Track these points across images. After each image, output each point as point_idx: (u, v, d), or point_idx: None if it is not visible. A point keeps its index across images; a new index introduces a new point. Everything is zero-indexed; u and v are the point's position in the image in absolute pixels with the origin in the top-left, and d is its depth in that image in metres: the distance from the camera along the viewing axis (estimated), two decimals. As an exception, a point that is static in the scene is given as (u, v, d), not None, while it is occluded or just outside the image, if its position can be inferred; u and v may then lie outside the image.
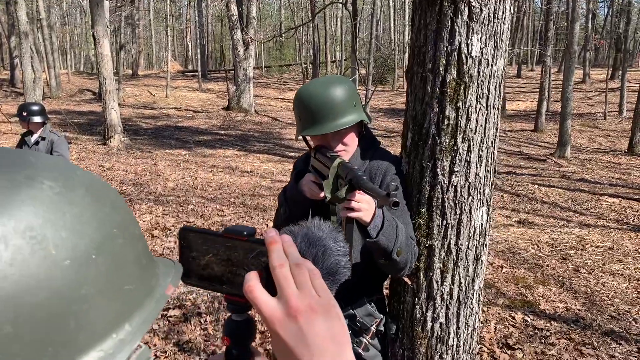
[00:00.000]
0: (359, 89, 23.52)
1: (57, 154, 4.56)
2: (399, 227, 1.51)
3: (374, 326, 1.70)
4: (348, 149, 1.70)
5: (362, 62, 21.02)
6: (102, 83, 11.86)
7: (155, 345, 3.42)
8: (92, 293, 0.46)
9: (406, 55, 29.83)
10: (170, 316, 3.83)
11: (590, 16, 26.49)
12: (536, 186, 8.67)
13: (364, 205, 1.41)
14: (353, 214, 1.41)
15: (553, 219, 6.75)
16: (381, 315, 1.73)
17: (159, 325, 3.69)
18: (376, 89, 21.52)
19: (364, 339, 1.68)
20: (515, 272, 4.86)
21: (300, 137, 1.75)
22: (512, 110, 19.48)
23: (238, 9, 17.17)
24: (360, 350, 1.66)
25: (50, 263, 0.43)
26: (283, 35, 27.61)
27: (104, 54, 11.56)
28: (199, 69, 26.69)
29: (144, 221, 6.20)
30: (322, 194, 1.56)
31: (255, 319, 0.82)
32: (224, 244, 0.75)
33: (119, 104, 13.08)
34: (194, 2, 37.67)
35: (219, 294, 0.89)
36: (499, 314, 3.97)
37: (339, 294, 0.92)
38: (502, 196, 7.85)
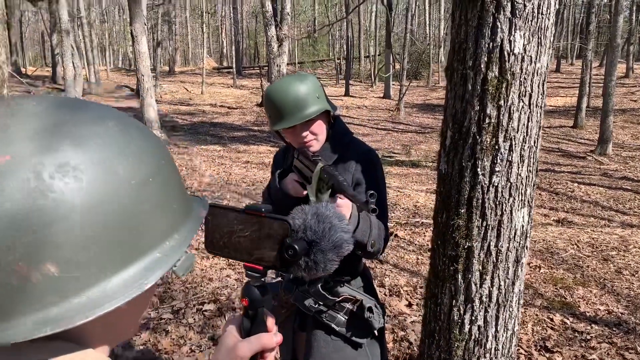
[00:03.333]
0: (394, 85, 23.31)
1: None
2: (372, 222, 1.64)
3: (348, 304, 1.78)
4: (318, 137, 1.80)
5: (397, 57, 20.81)
6: (139, 80, 12.06)
7: (190, 339, 3.47)
8: (151, 208, 0.60)
9: (441, 50, 29.43)
10: (205, 310, 3.88)
11: (634, 8, 25.53)
12: (576, 184, 8.43)
13: (344, 209, 1.53)
14: None
15: (594, 218, 6.55)
16: (355, 294, 1.79)
17: (194, 319, 3.74)
18: (410, 84, 21.27)
19: (332, 312, 1.79)
20: (554, 272, 4.74)
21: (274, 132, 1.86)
22: (550, 105, 18.99)
23: (272, 5, 17.18)
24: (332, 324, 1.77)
25: (119, 182, 0.56)
26: (317, 32, 27.58)
27: (141, 51, 11.77)
28: (234, 66, 26.98)
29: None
30: (304, 192, 1.71)
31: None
32: (245, 219, 0.85)
33: (156, 101, 13.30)
34: (229, -1, 38.01)
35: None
36: (536, 315, 3.88)
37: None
38: (540, 194, 7.66)
